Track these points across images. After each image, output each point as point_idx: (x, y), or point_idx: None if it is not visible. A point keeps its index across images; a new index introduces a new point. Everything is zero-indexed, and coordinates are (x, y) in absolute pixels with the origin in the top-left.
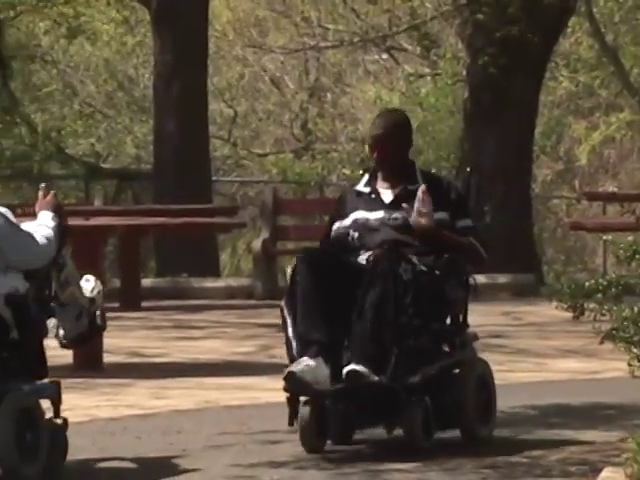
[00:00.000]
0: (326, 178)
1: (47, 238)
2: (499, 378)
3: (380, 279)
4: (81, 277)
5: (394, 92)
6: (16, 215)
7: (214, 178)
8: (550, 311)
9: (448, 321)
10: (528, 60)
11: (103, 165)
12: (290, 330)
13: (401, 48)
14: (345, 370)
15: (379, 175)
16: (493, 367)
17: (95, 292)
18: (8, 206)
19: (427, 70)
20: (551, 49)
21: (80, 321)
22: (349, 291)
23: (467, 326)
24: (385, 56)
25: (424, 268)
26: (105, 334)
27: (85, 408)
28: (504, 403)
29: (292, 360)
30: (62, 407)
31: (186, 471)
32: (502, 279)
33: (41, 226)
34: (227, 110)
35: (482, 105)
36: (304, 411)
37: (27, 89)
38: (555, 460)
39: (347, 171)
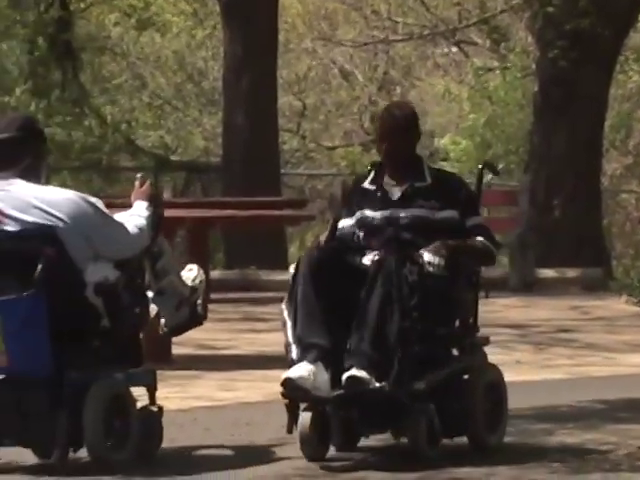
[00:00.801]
0: None
1: (139, 228)
2: (568, 372)
3: (384, 280)
4: (184, 266)
5: (463, 85)
6: None
7: (283, 171)
8: (619, 305)
9: (457, 324)
10: (598, 53)
11: (172, 157)
12: (289, 333)
13: (470, 41)
14: (345, 376)
15: (385, 171)
16: (562, 361)
17: (197, 281)
18: None
19: (496, 64)
20: (621, 42)
21: (180, 310)
22: (352, 293)
23: (477, 329)
24: (454, 49)
25: (431, 269)
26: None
27: None
28: (573, 397)
29: (291, 364)
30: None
31: (254, 463)
32: (571, 273)
33: (134, 216)
34: (296, 103)
35: (552, 99)
36: (304, 418)
37: (97, 81)
38: (624, 455)
39: None
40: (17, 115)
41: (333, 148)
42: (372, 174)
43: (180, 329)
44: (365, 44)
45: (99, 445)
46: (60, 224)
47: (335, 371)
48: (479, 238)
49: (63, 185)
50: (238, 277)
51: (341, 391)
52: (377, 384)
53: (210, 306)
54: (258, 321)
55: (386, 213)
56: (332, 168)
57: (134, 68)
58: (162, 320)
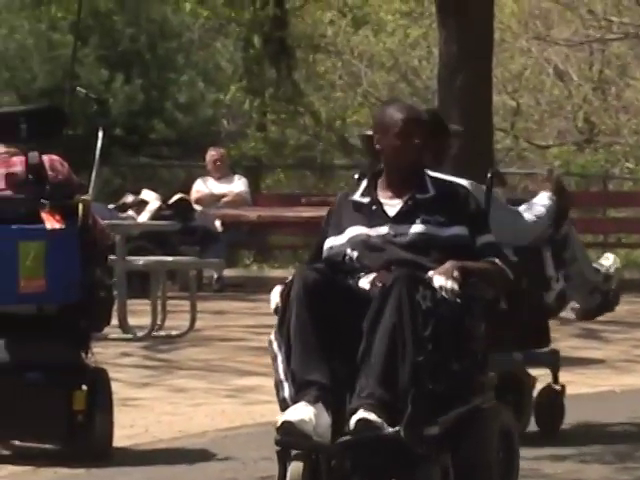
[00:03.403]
0: (609, 171)
1: (537, 216)
2: None
3: (394, 307)
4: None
5: None
6: (300, 204)
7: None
8: None
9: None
10: None
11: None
12: (281, 368)
13: None
14: (353, 419)
15: (380, 182)
16: None
17: (612, 270)
18: (291, 196)
19: None
20: None
21: (593, 296)
22: (352, 321)
23: (488, 365)
24: None
25: (445, 295)
26: None
27: None
28: None
29: (284, 406)
30: None
31: None
32: None
33: (536, 205)
34: (510, 102)
35: None
36: (294, 468)
37: (310, 79)
38: None
39: (631, 165)
40: (426, 110)
41: (546, 147)
42: (363, 185)
43: (591, 313)
44: (580, 43)
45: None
46: None
47: (336, 413)
48: (492, 259)
49: (277, 182)
50: None
51: (348, 437)
52: (390, 429)
53: None
54: None
55: (383, 230)
56: (545, 167)
57: (348, 66)
58: (573, 304)
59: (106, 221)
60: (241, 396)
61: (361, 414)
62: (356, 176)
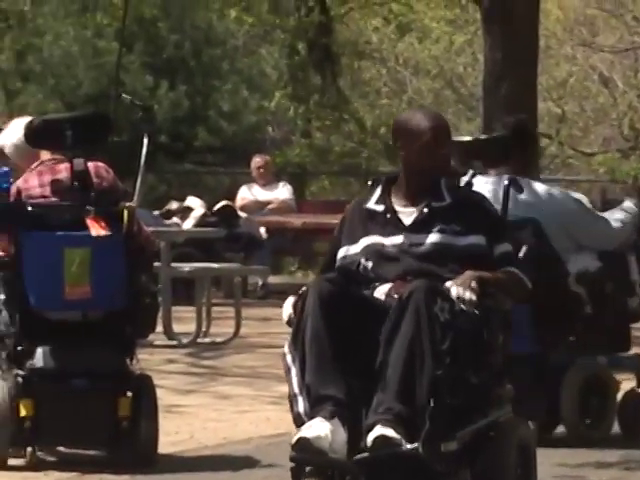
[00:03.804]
0: None
1: (623, 222)
2: None
3: (411, 319)
4: None
5: None
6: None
7: (542, 176)
8: None
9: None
10: None
11: None
12: (295, 382)
13: None
14: (371, 436)
15: (395, 189)
16: None
17: None
18: (336, 202)
19: None
20: None
21: None
22: (368, 333)
23: (505, 377)
24: None
25: (463, 306)
26: None
27: None
28: None
29: (299, 421)
30: None
31: None
32: None
33: (621, 211)
34: (555, 109)
35: None
36: None
37: (355, 86)
38: None
39: None
40: (512, 117)
41: (592, 154)
42: (377, 192)
43: None
44: (626, 50)
45: (575, 422)
46: (544, 217)
47: (352, 429)
48: (510, 268)
49: (321, 189)
50: None
51: (366, 454)
52: (409, 445)
53: None
54: None
55: (398, 239)
56: (590, 174)
57: (393, 73)
58: None
59: (151, 228)
60: (286, 403)
61: (379, 430)
62: (369, 182)
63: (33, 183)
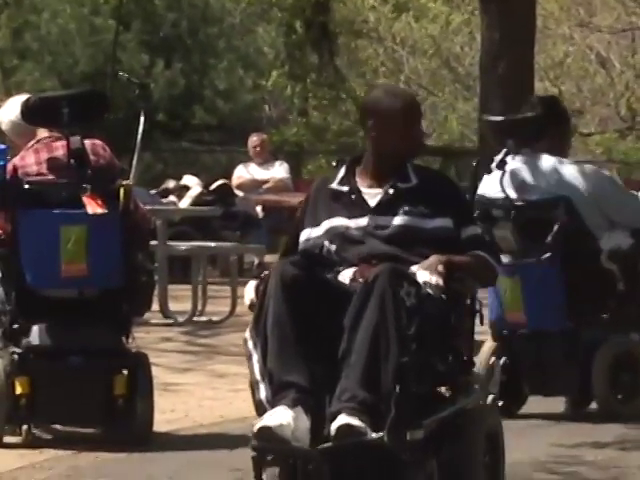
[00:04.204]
0: None
1: None
2: None
3: (376, 304)
4: None
5: None
6: None
7: None
8: None
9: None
10: None
11: (427, 142)
12: (257, 368)
13: None
14: (335, 425)
15: (360, 169)
16: None
17: None
18: None
19: None
20: None
21: None
22: (332, 318)
23: (473, 364)
24: None
25: (430, 291)
26: None
27: None
28: None
29: (260, 409)
30: None
31: (509, 448)
32: None
33: None
34: (552, 89)
35: None
36: (270, 473)
37: (353, 65)
38: None
39: None
40: (544, 95)
41: (588, 135)
42: (341, 172)
43: None
44: (623, 30)
45: (607, 398)
46: (576, 195)
47: (315, 417)
48: (478, 252)
49: (318, 168)
50: None
51: (329, 443)
52: (373, 434)
53: None
54: None
55: (363, 221)
56: (587, 155)
57: (389, 52)
58: None
59: (148, 206)
60: None
61: (343, 419)
62: (334, 163)
63: (30, 161)
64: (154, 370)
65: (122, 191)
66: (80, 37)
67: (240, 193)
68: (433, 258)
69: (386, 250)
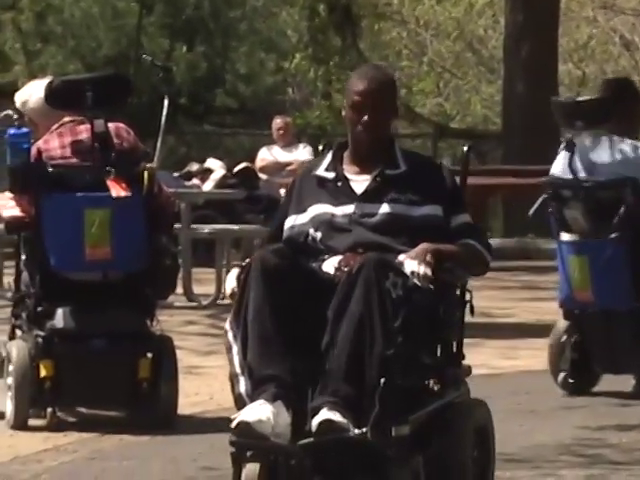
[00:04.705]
0: None
1: None
2: None
3: (361, 295)
4: None
5: None
6: None
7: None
8: None
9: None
10: None
11: (451, 125)
12: (237, 361)
13: None
14: (316, 420)
15: (346, 155)
16: None
17: None
18: None
19: None
20: None
21: None
22: (315, 309)
23: (463, 357)
24: None
25: (417, 281)
26: None
27: None
28: None
29: (240, 402)
30: None
31: (534, 431)
32: None
33: None
34: (575, 71)
35: None
36: (249, 470)
37: (376, 48)
38: None
39: None
40: (617, 77)
41: None
42: (328, 158)
43: None
44: None
45: None
46: None
47: (297, 411)
48: (469, 240)
49: None
50: (516, 245)
51: (310, 439)
52: (356, 430)
53: (489, 274)
54: (538, 289)
55: (349, 209)
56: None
57: (413, 35)
58: None
59: (171, 189)
60: None
61: (324, 414)
62: (320, 147)
63: (54, 144)
64: (178, 353)
65: (146, 174)
66: (103, 20)
67: (263, 176)
68: (421, 247)
69: (373, 238)
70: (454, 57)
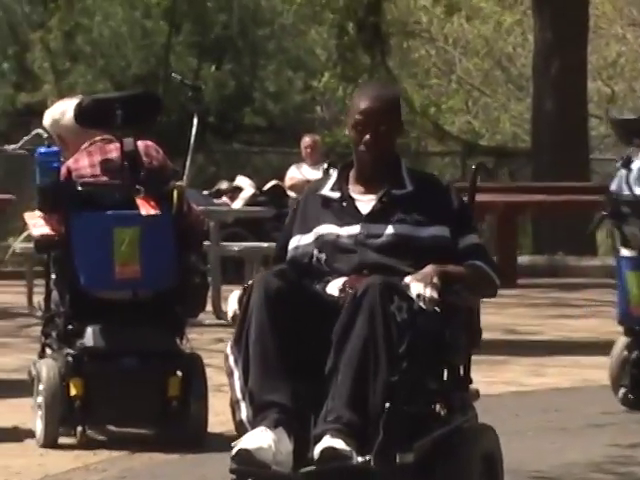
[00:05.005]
0: None
1: None
2: None
3: (365, 319)
4: None
5: None
6: None
7: (591, 156)
8: None
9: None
10: None
11: (480, 142)
12: (238, 386)
13: None
14: (319, 447)
15: (352, 175)
16: None
17: None
18: None
19: None
20: None
21: None
22: (319, 333)
23: (470, 381)
24: None
25: (423, 305)
26: (481, 311)
27: None
28: None
29: (241, 429)
30: None
31: (565, 449)
32: None
33: None
34: (605, 89)
35: None
36: None
37: (404, 65)
38: None
39: None
40: None
41: None
42: (333, 177)
43: None
44: None
45: None
46: None
47: (299, 439)
48: (477, 262)
49: None
50: (546, 263)
51: (312, 467)
52: (359, 458)
53: (518, 291)
54: (567, 307)
55: (355, 230)
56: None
57: (441, 53)
58: None
59: (201, 207)
60: None
61: (327, 441)
62: (324, 166)
63: (83, 163)
64: (208, 371)
65: (175, 193)
66: (132, 40)
67: (293, 194)
68: (428, 269)
69: (378, 260)
70: (483, 75)
